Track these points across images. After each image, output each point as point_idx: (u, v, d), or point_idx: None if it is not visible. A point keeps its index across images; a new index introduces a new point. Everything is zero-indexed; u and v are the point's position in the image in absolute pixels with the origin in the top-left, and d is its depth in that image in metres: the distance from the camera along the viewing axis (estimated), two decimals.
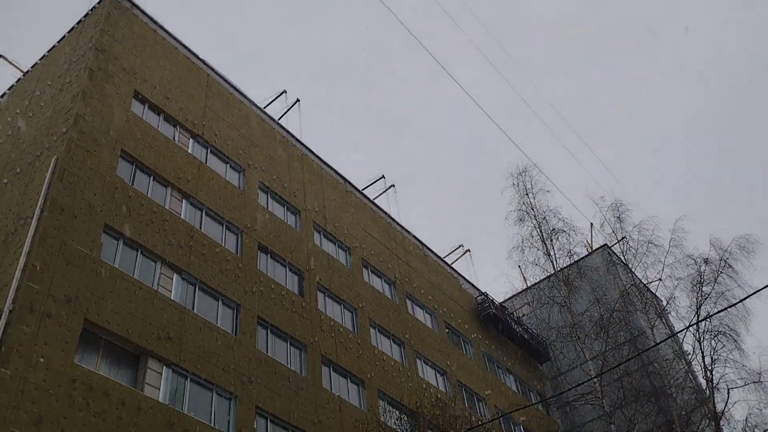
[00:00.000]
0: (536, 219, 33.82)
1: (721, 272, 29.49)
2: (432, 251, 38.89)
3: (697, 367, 29.91)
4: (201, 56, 28.90)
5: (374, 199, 36.91)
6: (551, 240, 33.14)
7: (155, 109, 24.59)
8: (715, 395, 27.80)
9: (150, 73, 25.10)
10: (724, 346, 28.10)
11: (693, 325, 28.14)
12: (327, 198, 31.71)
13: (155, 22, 27.30)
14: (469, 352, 35.77)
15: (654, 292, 33.39)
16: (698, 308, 28.95)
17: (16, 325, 15.60)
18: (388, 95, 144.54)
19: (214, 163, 26.11)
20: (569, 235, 33.33)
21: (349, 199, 33.65)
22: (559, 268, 32.91)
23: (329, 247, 30.05)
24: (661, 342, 17.76)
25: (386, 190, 38.36)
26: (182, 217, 22.79)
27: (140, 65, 24.83)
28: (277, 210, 28.21)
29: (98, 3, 25.95)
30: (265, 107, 32.30)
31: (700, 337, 28.37)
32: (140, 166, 22.40)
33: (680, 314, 30.76)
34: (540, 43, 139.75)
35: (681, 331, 24.13)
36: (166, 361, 18.92)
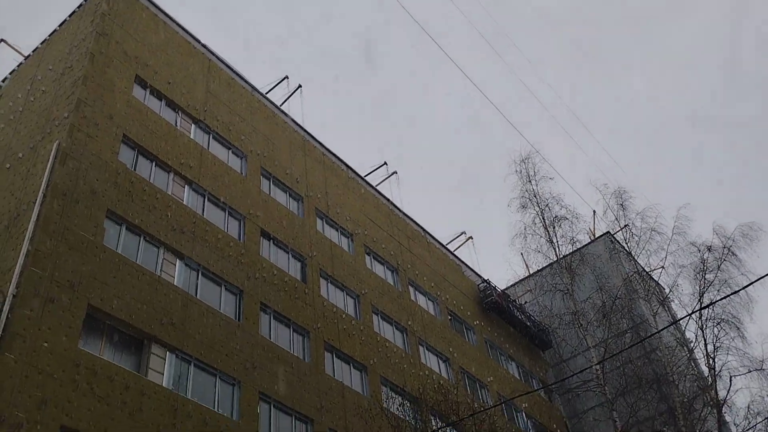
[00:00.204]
0: (539, 206, 33.65)
1: (725, 260, 29.36)
2: (434, 238, 38.84)
3: (700, 355, 29.87)
4: (202, 41, 28.73)
5: (376, 185, 36.82)
6: (554, 227, 33.00)
7: (157, 94, 24.46)
8: (717, 383, 27.77)
9: (151, 58, 24.95)
10: (727, 333, 28.01)
11: (696, 312, 28.06)
12: (329, 184, 31.62)
13: (156, 7, 27.12)
14: (471, 339, 35.79)
15: (657, 280, 33.32)
16: (701, 296, 28.86)
17: (19, 310, 15.58)
18: (391, 82, 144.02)
19: (216, 149, 26.00)
20: (572, 223, 33.19)
21: (351, 185, 33.55)
22: (561, 256, 32.80)
23: (332, 234, 30.00)
24: (663, 329, 17.68)
25: (388, 177, 38.28)
26: (185, 203, 22.73)
27: (142, 50, 24.67)
28: (280, 196, 28.12)
29: None
30: (267, 93, 32.14)
31: (702, 325, 28.29)
32: (142, 152, 22.30)
33: (683, 302, 30.69)
34: (543, 29, 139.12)
35: (684, 317, 23.98)
36: (169, 347, 18.92)
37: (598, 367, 29.05)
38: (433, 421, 23.60)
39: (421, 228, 37.96)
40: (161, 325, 18.92)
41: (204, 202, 23.74)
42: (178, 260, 21.15)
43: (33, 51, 26.82)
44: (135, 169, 21.58)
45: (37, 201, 17.83)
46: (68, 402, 15.41)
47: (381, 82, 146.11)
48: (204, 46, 28.75)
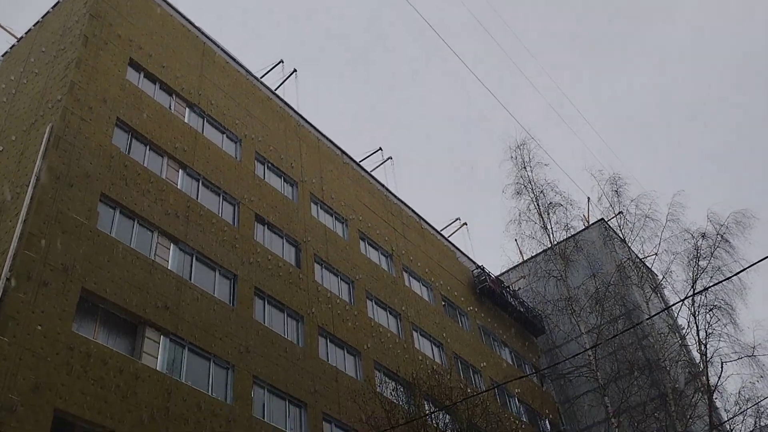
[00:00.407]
0: (533, 192, 33.74)
1: (718, 246, 29.53)
2: (429, 224, 38.87)
3: (692, 341, 30.09)
4: (197, 24, 28.53)
5: (371, 171, 36.77)
6: (548, 213, 33.11)
7: (151, 77, 24.31)
8: (708, 369, 28.00)
9: (145, 41, 24.78)
10: (719, 320, 28.22)
11: (688, 297, 28.22)
12: (324, 170, 31.56)
13: None
14: (465, 324, 35.92)
15: (650, 266, 33.47)
16: (694, 282, 29.03)
17: (13, 293, 15.56)
18: (386, 68, 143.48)
19: (211, 133, 25.90)
20: (566, 209, 33.30)
21: (346, 171, 33.49)
22: (555, 242, 32.93)
23: (326, 219, 29.98)
24: (656, 314, 17.78)
25: (383, 163, 38.24)
26: (179, 187, 22.66)
27: (135, 33, 24.49)
28: (274, 181, 28.06)
29: None
30: (261, 77, 31.99)
31: (695, 311, 28.48)
32: (136, 135, 22.20)
33: (676, 288, 30.87)
34: (542, 18, 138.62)
35: (676, 303, 24.16)
36: (163, 331, 18.93)
37: (590, 352, 29.24)
38: (426, 405, 23.73)
39: (416, 214, 37.98)
40: (155, 309, 18.92)
41: (198, 186, 23.68)
42: (172, 244, 21.12)
43: (26, 33, 26.60)
44: (129, 153, 21.48)
45: (31, 184, 17.74)
46: (62, 385, 15.43)
47: (377, 69, 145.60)
48: (198, 29, 28.56)
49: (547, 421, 37.33)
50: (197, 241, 21.85)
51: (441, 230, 40.54)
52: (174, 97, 24.90)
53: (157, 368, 18.13)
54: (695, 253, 29.89)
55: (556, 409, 38.76)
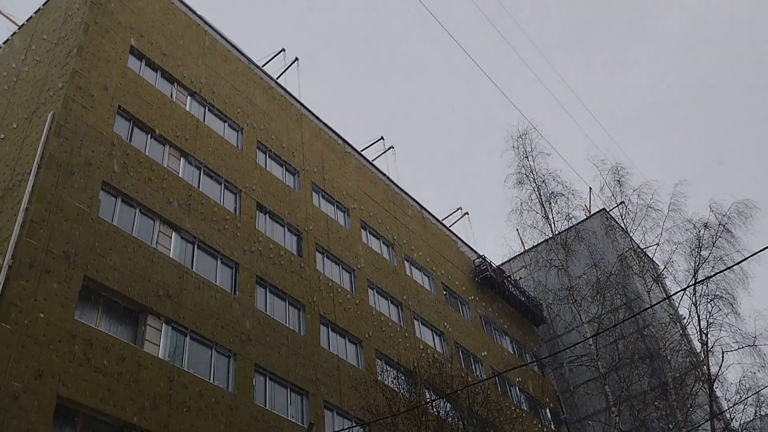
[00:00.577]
0: (535, 182, 33.72)
1: (720, 236, 29.50)
2: (430, 213, 38.85)
3: (693, 331, 30.13)
4: (198, 12, 28.42)
5: (373, 160, 36.73)
6: (550, 203, 33.10)
7: (152, 65, 24.25)
8: (709, 358, 28.05)
9: (147, 29, 24.69)
10: (720, 310, 28.24)
11: (690, 286, 28.23)
12: (326, 159, 31.52)
13: None
14: (466, 314, 35.97)
15: (651, 257, 33.46)
16: (696, 272, 29.02)
17: (15, 280, 15.57)
18: (388, 57, 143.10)
19: (212, 122, 25.86)
20: (568, 199, 33.29)
21: (347, 160, 33.45)
22: (557, 232, 32.92)
23: (328, 208, 29.97)
24: (657, 303, 17.81)
25: (385, 152, 38.18)
26: (180, 175, 22.63)
27: (137, 20, 24.41)
28: (276, 170, 28.04)
29: None
30: (263, 66, 31.91)
31: (696, 301, 28.49)
32: (138, 124, 22.16)
33: (677, 278, 30.87)
34: (545, 8, 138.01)
35: (678, 292, 24.19)
36: (165, 319, 18.97)
37: (591, 342, 29.29)
38: (427, 394, 23.81)
39: (418, 203, 37.96)
40: (157, 297, 18.95)
41: (200, 175, 23.66)
42: (173, 233, 21.12)
43: (27, 20, 26.51)
44: (130, 141, 21.45)
45: (32, 172, 17.73)
46: (65, 372, 15.47)
47: (380, 58, 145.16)
48: (200, 17, 28.45)
49: (547, 410, 37.45)
50: (199, 230, 21.86)
51: (442, 220, 40.55)
52: (175, 85, 24.84)
53: (159, 356, 18.17)
54: (697, 243, 29.88)
55: (556, 398, 38.88)
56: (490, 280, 38.72)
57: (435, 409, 21.74)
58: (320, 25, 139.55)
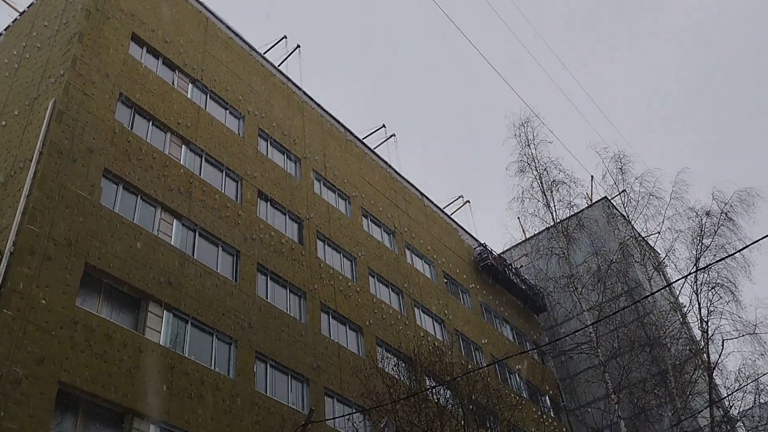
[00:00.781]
0: (537, 170, 33.72)
1: (722, 225, 29.48)
2: (432, 201, 38.86)
3: (693, 319, 30.19)
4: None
5: (374, 148, 36.69)
6: (551, 191, 33.11)
7: (154, 52, 24.20)
8: (709, 346, 28.12)
9: (148, 16, 24.63)
10: (721, 298, 28.28)
11: (691, 274, 28.26)
12: (327, 146, 31.50)
13: None
14: (466, 302, 36.05)
15: (652, 245, 33.48)
16: (697, 260, 29.04)
17: (16, 267, 15.64)
18: (390, 45, 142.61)
19: (214, 109, 25.84)
20: (569, 187, 33.30)
21: (349, 147, 33.43)
22: (558, 220, 32.92)
23: (329, 196, 29.98)
24: (658, 290, 17.84)
25: (386, 140, 38.13)
26: (182, 163, 22.65)
27: (138, 7, 24.34)
28: (277, 158, 28.04)
29: None
30: (265, 53, 31.82)
31: (697, 289, 28.54)
32: (139, 111, 22.16)
33: (679, 267, 30.90)
34: None
35: (679, 279, 24.26)
36: (166, 306, 19.05)
37: (591, 329, 29.37)
38: (427, 381, 23.91)
39: (419, 191, 37.96)
40: (158, 285, 19.02)
41: (201, 162, 23.67)
42: (175, 220, 21.17)
43: (28, 7, 26.43)
44: (132, 129, 21.45)
45: (34, 159, 17.76)
46: (66, 359, 15.56)
47: (381, 46, 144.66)
48: (201, 4, 28.36)
49: (547, 398, 37.61)
50: (200, 217, 21.91)
51: (444, 208, 40.55)
52: (177, 72, 24.81)
53: (161, 343, 18.27)
54: (699, 231, 29.87)
55: (556, 385, 39.03)
56: (491, 269, 38.78)
57: (435, 397, 21.84)
58: (322, 12, 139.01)
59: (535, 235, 35.67)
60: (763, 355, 28.22)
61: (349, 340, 25.91)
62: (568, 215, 33.32)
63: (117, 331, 17.09)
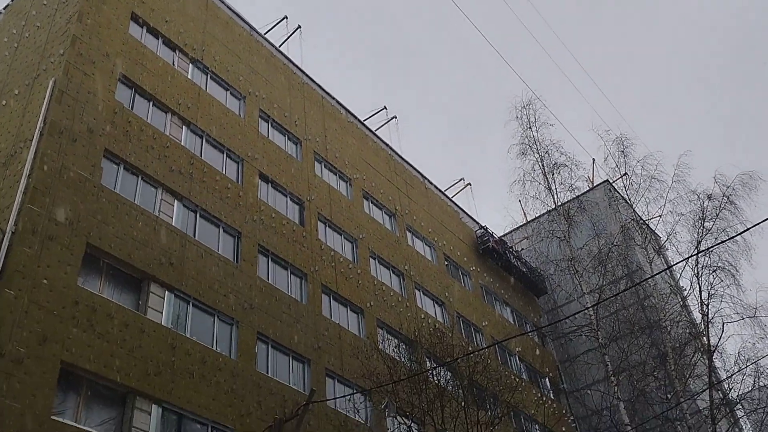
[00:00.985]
0: (538, 153, 33.57)
1: (724, 208, 29.40)
2: (433, 184, 38.80)
3: (693, 302, 30.22)
4: None
5: (376, 130, 36.55)
6: (553, 174, 32.99)
7: (154, 32, 24.04)
8: (709, 329, 28.18)
9: None
10: (722, 281, 28.28)
11: (692, 256, 28.22)
12: (328, 128, 31.39)
13: None
14: (467, 284, 36.11)
15: (653, 228, 33.44)
16: (698, 243, 29.01)
17: (18, 246, 15.63)
18: (392, 26, 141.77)
19: (214, 90, 25.71)
20: (571, 170, 33.16)
21: (350, 129, 33.31)
22: (560, 203, 32.86)
23: (330, 178, 29.92)
24: (658, 273, 17.85)
25: (388, 122, 37.98)
26: (182, 143, 22.57)
27: None
28: (278, 139, 27.94)
29: None
30: (265, 33, 31.61)
31: (698, 272, 28.54)
32: (139, 91, 22.04)
33: (680, 250, 30.87)
34: None
35: (680, 262, 24.23)
36: (168, 286, 19.07)
37: (591, 312, 29.40)
38: (428, 362, 24.01)
39: (420, 174, 37.88)
40: (160, 265, 19.03)
41: (202, 143, 23.59)
42: (176, 201, 21.14)
43: None
44: (132, 109, 21.35)
45: (35, 138, 17.70)
46: (68, 338, 15.60)
47: (383, 27, 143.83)
48: None
49: (546, 380, 37.78)
50: (201, 198, 21.87)
51: (445, 190, 40.49)
52: (177, 52, 24.66)
53: (162, 323, 18.30)
54: (701, 215, 29.79)
55: (556, 367, 39.19)
56: (491, 251, 38.78)
57: (435, 378, 21.93)
58: None
59: (536, 217, 35.57)
60: (763, 338, 28.30)
61: (350, 322, 25.98)
62: (569, 198, 33.24)
63: (119, 312, 17.12)
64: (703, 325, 28.41)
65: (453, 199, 40.84)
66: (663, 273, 34.15)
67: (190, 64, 25.03)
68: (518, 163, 36.63)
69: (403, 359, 23.03)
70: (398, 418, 21.94)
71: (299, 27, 33.18)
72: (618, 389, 28.81)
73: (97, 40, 21.11)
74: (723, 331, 27.27)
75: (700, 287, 28.33)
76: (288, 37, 32.98)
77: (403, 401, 20.94)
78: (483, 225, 40.40)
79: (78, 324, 15.96)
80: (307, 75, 32.23)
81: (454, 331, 28.56)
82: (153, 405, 16.89)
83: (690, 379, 28.86)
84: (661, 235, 33.11)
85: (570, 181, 32.93)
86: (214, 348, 19.45)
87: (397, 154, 36.64)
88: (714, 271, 28.37)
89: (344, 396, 22.86)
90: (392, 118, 38.07)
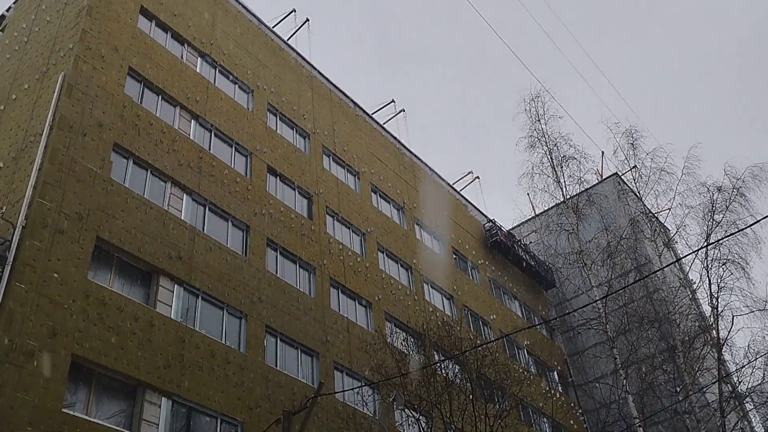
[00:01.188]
0: (547, 146, 33.40)
1: (734, 200, 29.22)
2: (441, 177, 38.76)
3: (703, 295, 30.09)
4: None
5: (384, 123, 36.52)
6: (561, 167, 32.83)
7: (162, 26, 24.08)
8: (719, 322, 28.07)
9: None
10: (732, 274, 28.14)
11: (702, 248, 28.06)
12: (336, 122, 31.38)
13: None
14: (475, 277, 36.10)
15: (663, 221, 33.29)
16: (708, 236, 28.86)
17: (29, 240, 15.74)
18: (401, 19, 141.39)
19: (223, 84, 25.75)
20: (580, 163, 32.98)
21: (358, 123, 33.29)
22: (568, 196, 32.74)
23: (338, 171, 29.94)
24: (668, 265, 17.78)
25: (396, 115, 37.93)
26: (191, 137, 22.63)
27: None
28: (286, 133, 27.97)
29: None
30: (273, 26, 31.60)
31: (708, 265, 28.41)
32: (148, 85, 22.10)
33: (689, 243, 30.71)
34: None
35: (689, 254, 24.06)
36: (177, 280, 19.16)
37: (600, 305, 29.31)
38: (436, 355, 24.04)
39: (428, 167, 37.85)
40: (169, 259, 19.12)
41: (211, 137, 23.64)
42: (185, 195, 21.21)
43: None
44: (141, 103, 21.41)
45: (44, 133, 17.79)
46: (79, 332, 15.71)
47: (392, 21, 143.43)
48: None
49: (555, 373, 37.77)
50: (210, 192, 21.93)
51: (453, 184, 40.46)
52: (186, 46, 24.70)
53: (172, 316, 18.40)
54: (710, 207, 29.62)
55: (564, 361, 39.16)
56: (500, 245, 38.75)
57: (443, 371, 21.96)
58: None
59: (544, 211, 35.48)
60: None
61: (359, 315, 26.04)
62: (578, 191, 33.11)
63: (129, 305, 17.22)
64: (712, 318, 28.31)
65: (461, 192, 40.80)
66: (672, 266, 34.02)
67: (199, 58, 25.07)
68: (527, 156, 36.57)
69: (411, 352, 23.06)
70: (406, 411, 21.98)
71: (307, 20, 33.16)
72: (626, 382, 28.76)
73: (107, 34, 21.16)
74: (732, 324, 27.20)
75: (709, 280, 28.22)
76: (296, 31, 32.98)
77: (412, 394, 20.99)
78: (491, 218, 40.36)
79: (88, 317, 16.07)
80: (315, 68, 32.21)
81: (462, 324, 28.58)
82: (163, 398, 17.01)
83: (699, 373, 28.76)
84: (670, 228, 32.99)
85: (579, 173, 32.78)
86: (223, 341, 19.54)
87: (405, 147, 36.60)
88: (724, 263, 28.23)
89: (353, 389, 22.92)
90: (400, 112, 38.06)
